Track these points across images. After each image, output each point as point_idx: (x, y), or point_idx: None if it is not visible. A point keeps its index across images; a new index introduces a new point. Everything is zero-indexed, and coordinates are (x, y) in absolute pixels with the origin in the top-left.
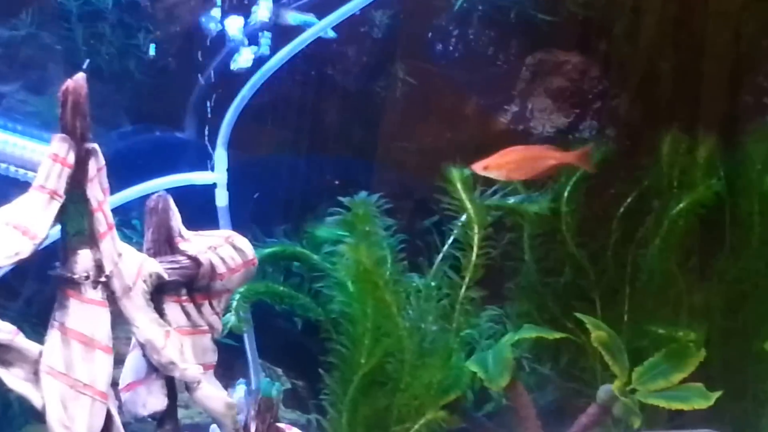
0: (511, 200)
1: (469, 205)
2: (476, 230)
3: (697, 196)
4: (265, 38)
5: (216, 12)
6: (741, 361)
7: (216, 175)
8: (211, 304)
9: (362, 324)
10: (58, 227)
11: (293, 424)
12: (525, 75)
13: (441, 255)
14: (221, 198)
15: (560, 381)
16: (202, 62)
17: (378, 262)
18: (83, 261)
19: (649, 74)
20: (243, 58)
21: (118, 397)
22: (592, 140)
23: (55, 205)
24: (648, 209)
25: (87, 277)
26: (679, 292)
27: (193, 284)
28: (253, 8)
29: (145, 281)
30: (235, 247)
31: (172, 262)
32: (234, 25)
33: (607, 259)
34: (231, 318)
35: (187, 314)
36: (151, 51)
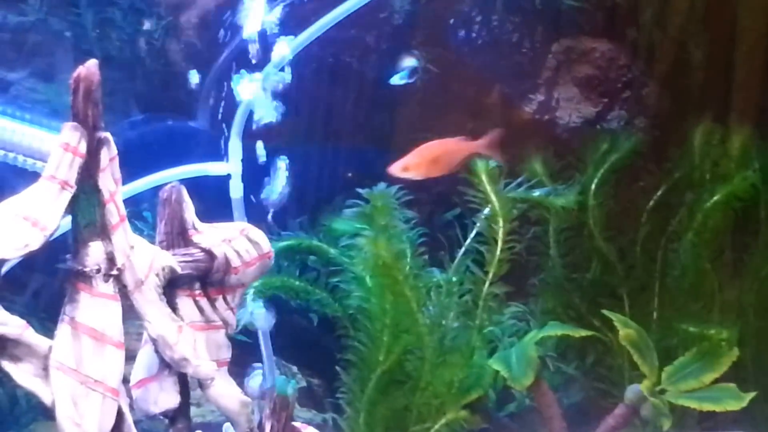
0: (537, 193)
1: (494, 198)
2: (501, 224)
3: (732, 188)
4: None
5: None
6: None
7: (230, 166)
8: (225, 299)
9: (381, 320)
10: (68, 218)
11: (308, 423)
12: (551, 63)
13: (463, 249)
14: (236, 189)
15: (586, 381)
16: (216, 49)
17: (397, 255)
18: (94, 253)
19: (680, 62)
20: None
21: (129, 394)
22: (620, 131)
23: (66, 196)
24: (679, 202)
25: (98, 270)
26: (711, 288)
27: (207, 278)
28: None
29: (157, 275)
30: (250, 240)
31: (185, 255)
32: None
33: (636, 254)
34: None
35: (201, 309)
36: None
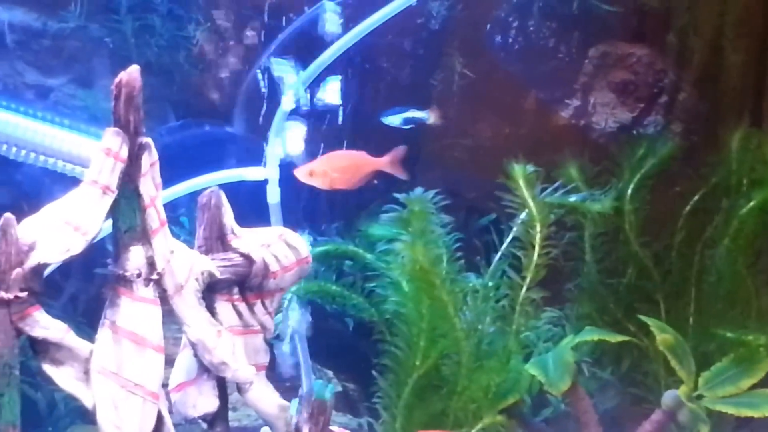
0: (573, 198)
1: (531, 203)
2: (538, 229)
3: None
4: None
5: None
6: None
7: (268, 171)
8: (263, 304)
9: (417, 325)
10: (109, 223)
11: (344, 427)
12: (587, 68)
13: (499, 254)
14: (273, 195)
15: (622, 386)
16: (254, 55)
17: (434, 260)
18: (135, 258)
19: (717, 67)
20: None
21: (168, 398)
22: (657, 136)
23: (107, 201)
24: (716, 208)
25: (139, 275)
26: (748, 293)
27: (246, 283)
28: None
29: (197, 279)
30: (288, 245)
31: (224, 259)
32: None
33: (672, 260)
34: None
35: (239, 313)
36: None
